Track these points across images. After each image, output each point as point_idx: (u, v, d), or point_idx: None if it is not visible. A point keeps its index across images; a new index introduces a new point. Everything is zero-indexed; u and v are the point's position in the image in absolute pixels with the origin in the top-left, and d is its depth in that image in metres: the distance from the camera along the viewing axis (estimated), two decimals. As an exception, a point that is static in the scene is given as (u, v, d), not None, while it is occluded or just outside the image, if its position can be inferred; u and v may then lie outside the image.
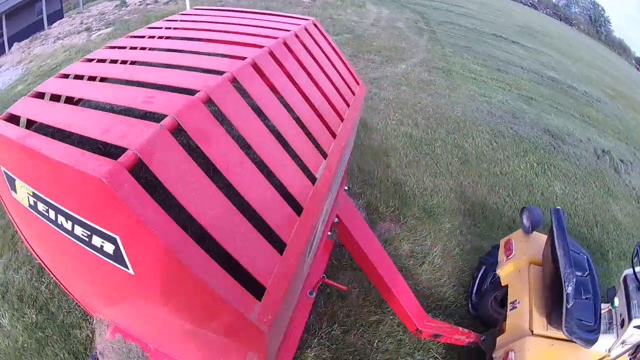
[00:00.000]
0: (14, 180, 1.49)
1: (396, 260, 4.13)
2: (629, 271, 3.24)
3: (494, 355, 3.12)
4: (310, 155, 1.89)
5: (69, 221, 1.30)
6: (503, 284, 3.46)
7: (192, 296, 1.32)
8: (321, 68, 2.51)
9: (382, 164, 5.57)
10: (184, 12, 3.03)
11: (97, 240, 1.27)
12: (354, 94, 2.80)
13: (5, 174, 1.53)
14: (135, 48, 2.18)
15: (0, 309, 3.48)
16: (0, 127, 1.44)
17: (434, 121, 7.08)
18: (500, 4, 28.83)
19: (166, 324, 1.82)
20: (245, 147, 1.52)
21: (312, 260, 2.24)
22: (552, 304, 2.92)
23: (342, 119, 2.40)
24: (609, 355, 3.12)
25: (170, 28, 2.49)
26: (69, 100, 1.86)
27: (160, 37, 2.41)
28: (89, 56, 2.09)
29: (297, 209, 1.62)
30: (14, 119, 1.55)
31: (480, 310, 3.72)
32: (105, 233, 1.23)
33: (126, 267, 1.30)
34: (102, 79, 1.97)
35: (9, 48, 14.48)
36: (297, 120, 1.96)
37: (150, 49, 2.14)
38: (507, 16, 23.87)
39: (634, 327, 2.94)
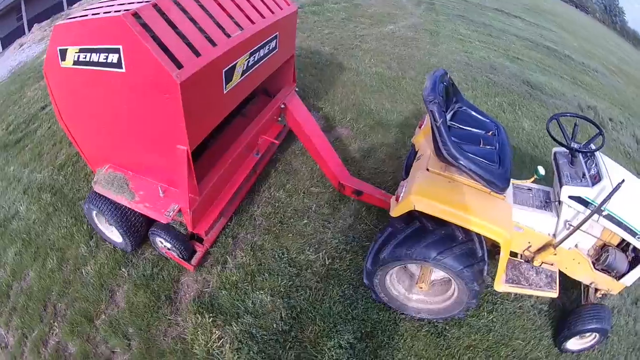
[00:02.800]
0: (66, 50, 2.62)
1: (345, 155, 4.86)
2: (557, 148, 3.27)
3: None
4: (230, 26, 2.92)
5: (97, 53, 2.51)
6: (416, 150, 3.59)
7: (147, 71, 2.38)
8: None
9: (348, 91, 6.31)
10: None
11: (110, 57, 2.47)
12: (281, 8, 3.67)
13: (60, 50, 2.65)
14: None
15: (20, 200, 4.38)
16: (60, 23, 2.67)
17: (407, 65, 7.70)
18: (515, -13, 28.80)
19: (136, 145, 2.93)
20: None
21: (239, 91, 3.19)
22: (434, 140, 2.87)
23: (264, 17, 3.35)
24: (554, 239, 3.12)
25: None
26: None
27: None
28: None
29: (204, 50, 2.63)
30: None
31: None
32: (115, 48, 2.41)
33: (121, 67, 2.44)
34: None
35: (29, 30, 15.77)
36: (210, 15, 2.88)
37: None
38: (517, -4, 23.89)
39: (569, 197, 2.89)
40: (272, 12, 3.49)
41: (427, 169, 3.02)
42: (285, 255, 3.68)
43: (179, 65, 2.37)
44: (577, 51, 14.41)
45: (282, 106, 4.10)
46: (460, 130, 3.27)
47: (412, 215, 2.87)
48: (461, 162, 2.77)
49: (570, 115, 3.38)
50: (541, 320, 3.47)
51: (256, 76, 3.38)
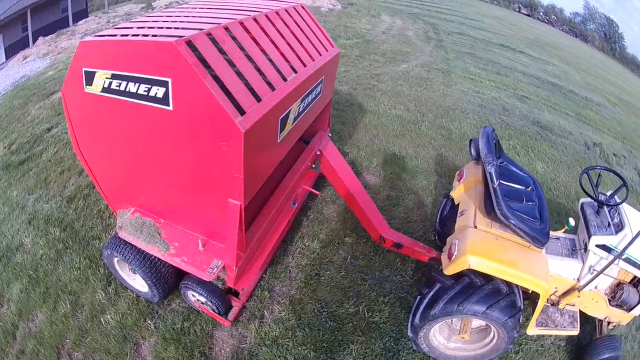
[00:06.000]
0: (94, 73, 2.33)
1: (375, 203, 4.98)
2: (584, 199, 3.58)
3: (443, 251, 3.36)
4: (285, 68, 2.87)
5: (136, 83, 2.21)
6: (456, 203, 3.76)
7: (202, 114, 2.15)
8: (297, 29, 3.44)
9: (371, 134, 6.50)
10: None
11: (153, 90, 2.18)
12: (327, 50, 3.73)
13: (85, 72, 2.37)
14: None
15: (25, 231, 4.25)
16: (88, 40, 2.34)
17: (424, 107, 7.96)
18: (516, 19, 29.89)
19: (173, 191, 2.72)
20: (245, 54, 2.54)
21: (288, 144, 3.11)
22: (486, 198, 3.13)
23: (313, 59, 3.37)
24: (578, 283, 3.36)
25: (196, 6, 3.46)
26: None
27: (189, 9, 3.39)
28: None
29: (264, 94, 2.51)
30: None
31: (444, 237, 3.82)
32: (162, 80, 2.12)
33: (168, 104, 2.19)
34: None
35: (34, 42, 15.81)
36: (264, 53, 2.79)
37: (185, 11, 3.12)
38: (519, 30, 24.72)
39: (596, 245, 3.15)
40: (320, 55, 3.47)
41: (475, 226, 3.20)
42: (325, 309, 3.73)
43: (242, 111, 2.15)
44: (580, 85, 14.91)
45: (318, 153, 4.00)
46: (505, 187, 3.43)
47: (460, 272, 3.02)
48: (512, 221, 2.97)
49: (599, 169, 3.69)
50: (560, 355, 3.69)
51: (304, 123, 3.32)
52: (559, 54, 20.62)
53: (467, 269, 2.94)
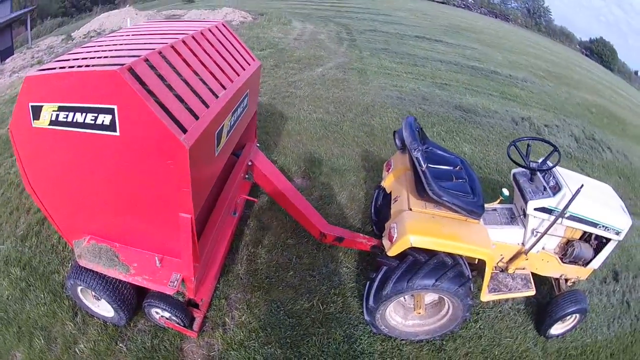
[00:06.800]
0: (41, 107, 2.61)
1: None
2: (516, 169, 4.23)
3: (383, 236, 3.83)
4: (215, 85, 3.39)
5: (83, 113, 2.53)
6: (388, 192, 4.36)
7: (148, 135, 2.50)
8: (222, 47, 3.98)
9: (295, 140, 7.33)
10: (135, 24, 4.58)
11: (100, 118, 2.50)
12: (249, 64, 4.28)
13: (32, 107, 2.63)
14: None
15: None
16: (33, 75, 2.61)
17: (344, 108, 8.98)
18: (429, 8, 32.79)
19: (126, 214, 3.09)
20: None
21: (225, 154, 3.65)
22: (417, 182, 3.67)
23: (238, 74, 3.88)
24: (523, 247, 4.01)
25: (127, 33, 3.83)
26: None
27: (121, 35, 3.75)
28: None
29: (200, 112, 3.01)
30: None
31: (381, 225, 4.27)
32: (108, 107, 2.45)
33: (115, 130, 2.52)
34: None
35: None
36: (195, 73, 3.30)
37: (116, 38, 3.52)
38: (433, 19, 27.34)
39: (534, 209, 3.77)
40: (244, 69, 3.95)
41: (410, 209, 3.77)
42: (281, 308, 4.33)
43: (184, 130, 2.53)
44: (502, 65, 16.93)
45: (249, 163, 4.67)
46: (434, 169, 3.97)
47: (403, 252, 3.54)
48: (444, 198, 3.52)
49: (526, 139, 4.27)
50: (521, 318, 4.47)
51: (235, 136, 3.82)
52: (478, 37, 23.10)
53: (410, 248, 3.47)
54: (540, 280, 4.39)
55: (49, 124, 2.65)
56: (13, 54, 21.56)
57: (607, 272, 5.38)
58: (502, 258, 4.13)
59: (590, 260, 4.04)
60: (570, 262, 4.08)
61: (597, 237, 3.96)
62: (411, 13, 28.33)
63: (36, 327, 4.02)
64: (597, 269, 4.21)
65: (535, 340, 4.30)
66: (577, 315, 4.10)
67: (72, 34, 19.71)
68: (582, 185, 3.45)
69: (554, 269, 4.16)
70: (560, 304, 4.03)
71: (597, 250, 4.01)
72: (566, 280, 4.29)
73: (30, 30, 28.02)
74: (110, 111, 2.45)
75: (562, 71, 20.59)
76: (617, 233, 3.82)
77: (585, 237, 4.05)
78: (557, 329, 4.24)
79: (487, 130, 9.26)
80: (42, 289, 4.35)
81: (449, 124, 9.13)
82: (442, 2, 49.52)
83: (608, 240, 3.91)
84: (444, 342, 4.13)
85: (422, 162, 3.50)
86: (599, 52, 51.78)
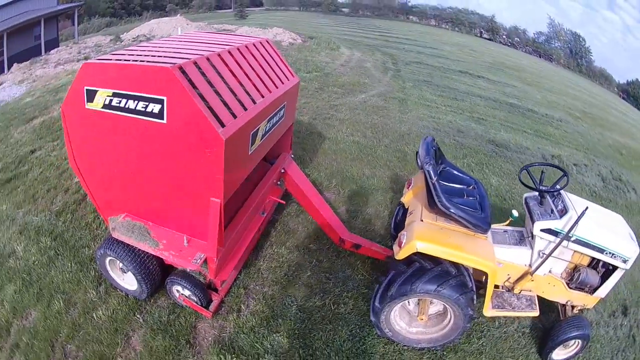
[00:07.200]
0: (96, 91, 3.00)
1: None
2: (527, 193, 4.32)
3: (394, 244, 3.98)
4: (254, 92, 3.86)
5: (135, 101, 2.94)
6: (406, 207, 4.52)
7: (191, 126, 2.86)
8: (263, 60, 4.52)
9: (330, 159, 7.90)
10: (186, 33, 5.25)
11: (150, 107, 2.90)
12: (288, 79, 4.81)
13: (87, 90, 3.01)
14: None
15: (17, 240, 5.08)
16: (91, 62, 3.06)
17: (381, 134, 9.50)
18: (476, 44, 33.11)
19: (161, 196, 3.43)
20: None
21: (259, 155, 4.05)
22: (428, 194, 3.85)
23: (277, 87, 4.42)
24: (530, 268, 4.03)
25: (180, 40, 4.34)
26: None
27: (173, 40, 4.27)
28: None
29: (239, 113, 3.53)
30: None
31: None
32: (158, 98, 2.85)
33: (163, 118, 2.91)
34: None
35: (9, 68, 17.46)
36: (237, 80, 3.76)
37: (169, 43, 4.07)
38: (479, 55, 27.70)
39: (541, 230, 3.83)
40: (283, 83, 4.38)
41: (422, 220, 3.97)
42: (295, 303, 4.73)
43: (222, 124, 2.88)
44: (540, 104, 17.01)
45: (282, 171, 5.10)
46: (447, 186, 4.20)
47: (411, 259, 3.77)
48: (452, 210, 3.70)
49: (537, 165, 4.40)
50: (525, 340, 4.50)
51: (270, 141, 4.22)
52: (519, 75, 23.25)
53: (416, 254, 3.67)
54: (547, 307, 4.54)
55: (102, 107, 3.03)
56: (58, 46, 22.86)
57: (616, 306, 5.46)
58: (509, 278, 4.22)
59: (597, 287, 4.01)
60: (577, 288, 4.07)
61: (605, 264, 3.94)
62: (458, 48, 28.89)
63: (58, 291, 4.42)
64: (605, 298, 4.17)
65: (536, 364, 4.49)
66: (579, 341, 4.06)
67: (121, 36, 21.01)
68: (587, 208, 3.56)
69: (560, 293, 4.17)
70: (563, 327, 4.03)
71: (604, 278, 3.98)
72: (572, 307, 4.27)
73: (77, 25, 29.49)
74: (160, 101, 2.82)
75: (598, 112, 20.48)
76: (625, 261, 3.77)
77: (593, 264, 4.05)
78: (559, 354, 4.22)
79: (517, 165, 9.41)
80: (70, 258, 4.84)
81: (480, 156, 9.42)
82: (489, 39, 49.68)
83: (615, 268, 3.87)
84: (445, 353, 4.32)
85: (432, 175, 3.72)
86: (635, 94, 50.63)
